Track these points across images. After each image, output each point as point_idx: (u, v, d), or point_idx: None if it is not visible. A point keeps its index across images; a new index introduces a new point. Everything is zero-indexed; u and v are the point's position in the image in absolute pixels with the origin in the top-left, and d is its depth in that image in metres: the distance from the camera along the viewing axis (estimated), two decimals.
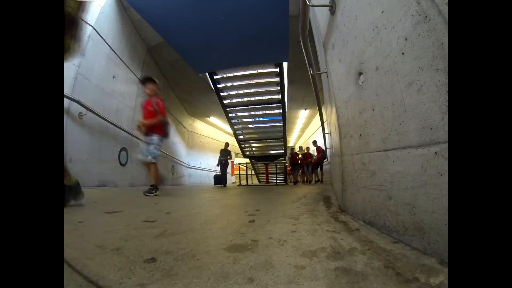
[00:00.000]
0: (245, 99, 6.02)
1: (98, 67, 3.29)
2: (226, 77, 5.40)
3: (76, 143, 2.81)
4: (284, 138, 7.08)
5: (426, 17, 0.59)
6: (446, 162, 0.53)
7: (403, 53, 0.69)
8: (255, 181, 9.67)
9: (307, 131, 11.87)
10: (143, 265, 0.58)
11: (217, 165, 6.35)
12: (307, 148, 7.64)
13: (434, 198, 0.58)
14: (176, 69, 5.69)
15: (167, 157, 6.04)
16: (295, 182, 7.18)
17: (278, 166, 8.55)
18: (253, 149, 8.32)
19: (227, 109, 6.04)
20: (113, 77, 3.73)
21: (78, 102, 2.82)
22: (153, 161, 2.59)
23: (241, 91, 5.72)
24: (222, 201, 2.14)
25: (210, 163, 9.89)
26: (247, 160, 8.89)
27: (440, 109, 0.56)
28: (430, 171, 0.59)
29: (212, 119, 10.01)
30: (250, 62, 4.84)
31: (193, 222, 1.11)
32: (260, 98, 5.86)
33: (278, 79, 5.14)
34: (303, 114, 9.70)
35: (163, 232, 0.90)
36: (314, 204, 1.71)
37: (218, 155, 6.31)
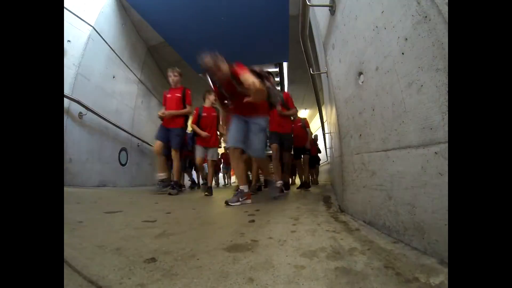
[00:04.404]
0: None
1: (98, 67, 3.29)
2: None
3: (76, 143, 2.81)
4: None
5: (426, 17, 0.59)
6: (446, 162, 0.53)
7: (403, 53, 0.69)
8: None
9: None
10: (143, 265, 0.58)
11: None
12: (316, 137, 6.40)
13: (434, 198, 0.58)
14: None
15: None
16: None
17: None
18: None
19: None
20: (113, 77, 3.73)
21: (78, 102, 2.82)
22: None
23: None
24: (222, 200, 2.14)
25: None
26: None
27: (440, 109, 0.56)
28: (430, 171, 0.59)
29: None
30: (250, 62, 4.86)
31: (192, 222, 1.11)
32: None
33: (278, 79, 5.15)
34: (303, 114, 9.71)
35: (163, 232, 0.90)
36: (314, 204, 1.71)
37: None
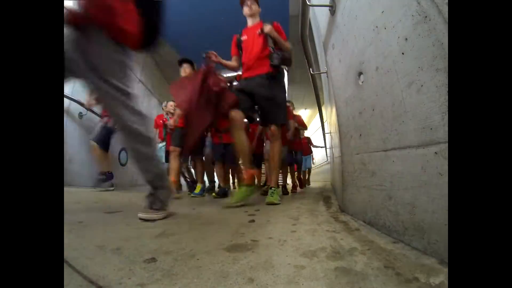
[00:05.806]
0: None
1: None
2: (226, 77, 5.40)
3: (76, 143, 2.81)
4: None
5: (426, 17, 0.59)
6: (446, 162, 0.53)
7: (403, 53, 0.69)
8: None
9: (307, 131, 11.85)
10: (143, 265, 0.58)
11: None
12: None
13: (434, 198, 0.58)
14: (176, 69, 5.68)
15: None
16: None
17: None
18: None
19: None
20: None
21: (78, 102, 2.82)
22: None
23: None
24: (221, 200, 2.14)
25: None
26: None
27: (440, 109, 0.56)
28: (430, 171, 0.59)
29: None
30: None
31: (192, 222, 1.11)
32: None
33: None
34: (303, 114, 9.71)
35: (163, 232, 0.90)
36: (314, 204, 1.71)
37: None
